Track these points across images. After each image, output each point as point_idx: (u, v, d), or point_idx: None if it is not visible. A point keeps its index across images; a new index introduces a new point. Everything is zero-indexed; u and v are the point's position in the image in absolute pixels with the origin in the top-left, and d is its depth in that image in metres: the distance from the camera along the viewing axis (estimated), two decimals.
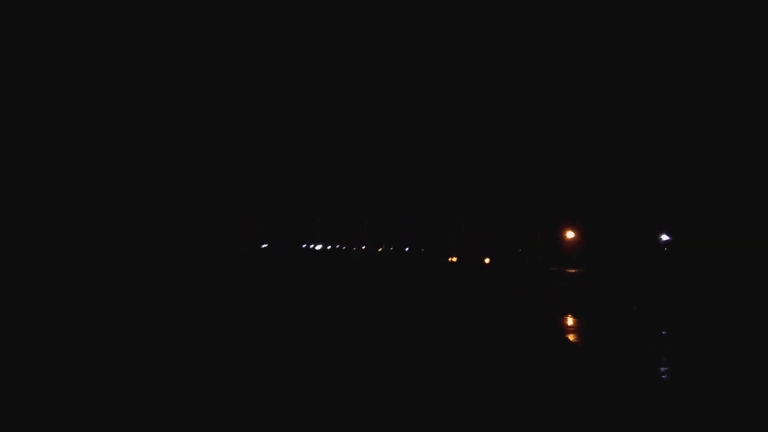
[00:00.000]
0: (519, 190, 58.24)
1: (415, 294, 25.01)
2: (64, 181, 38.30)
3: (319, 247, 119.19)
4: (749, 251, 32.14)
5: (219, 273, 34.89)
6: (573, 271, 40.65)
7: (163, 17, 47.29)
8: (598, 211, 43.11)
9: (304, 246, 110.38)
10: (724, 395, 8.34)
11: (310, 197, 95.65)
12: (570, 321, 16.97)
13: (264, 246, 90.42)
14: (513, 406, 7.30)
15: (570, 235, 44.85)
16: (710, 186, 36.26)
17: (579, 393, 8.11)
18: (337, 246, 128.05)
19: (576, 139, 49.28)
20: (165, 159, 47.91)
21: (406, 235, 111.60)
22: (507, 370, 9.45)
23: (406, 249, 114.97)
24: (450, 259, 73.75)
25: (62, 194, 37.90)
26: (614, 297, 25.09)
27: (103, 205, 40.68)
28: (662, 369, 10.16)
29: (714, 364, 10.91)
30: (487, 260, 60.59)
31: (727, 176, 35.34)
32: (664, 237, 35.40)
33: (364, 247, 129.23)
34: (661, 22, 40.93)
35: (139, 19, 44.68)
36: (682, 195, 37.75)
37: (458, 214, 76.62)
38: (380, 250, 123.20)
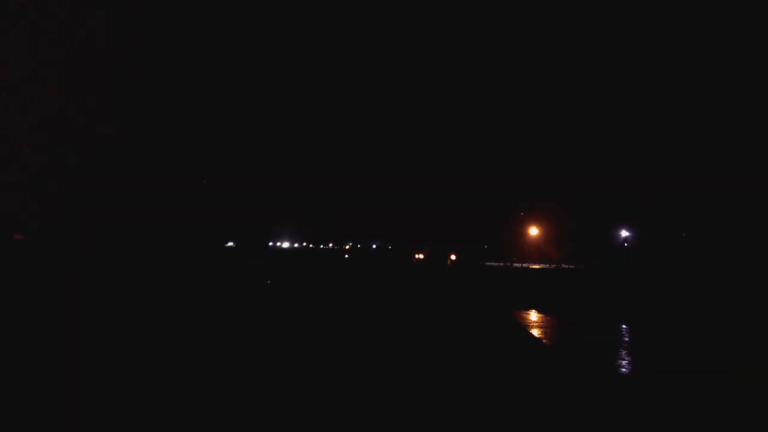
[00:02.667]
0: (484, 189, 59.05)
1: (376, 288, 25.10)
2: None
3: (286, 245, 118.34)
4: (707, 245, 33.44)
5: (190, 268, 34.33)
6: (537, 267, 41.42)
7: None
8: (561, 209, 44.05)
9: (271, 244, 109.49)
10: (684, 390, 8.69)
11: (278, 198, 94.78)
12: (534, 316, 17.30)
13: (230, 244, 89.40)
14: (469, 393, 7.43)
15: (533, 232, 45.70)
16: (670, 186, 37.53)
17: (539, 382, 8.29)
18: (304, 244, 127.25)
19: (537, 139, 50.22)
20: (136, 158, 46.85)
21: (373, 233, 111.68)
22: (469, 361, 9.59)
23: (373, 246, 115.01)
24: (416, 256, 74.24)
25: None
26: (577, 292, 25.67)
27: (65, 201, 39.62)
28: (622, 362, 10.48)
29: (672, 358, 11.34)
30: (453, 257, 61.20)
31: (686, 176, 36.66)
32: (624, 233, 36.44)
33: (330, 245, 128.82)
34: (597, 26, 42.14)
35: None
36: (641, 194, 38.92)
37: (425, 212, 77.11)
38: (347, 247, 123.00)
